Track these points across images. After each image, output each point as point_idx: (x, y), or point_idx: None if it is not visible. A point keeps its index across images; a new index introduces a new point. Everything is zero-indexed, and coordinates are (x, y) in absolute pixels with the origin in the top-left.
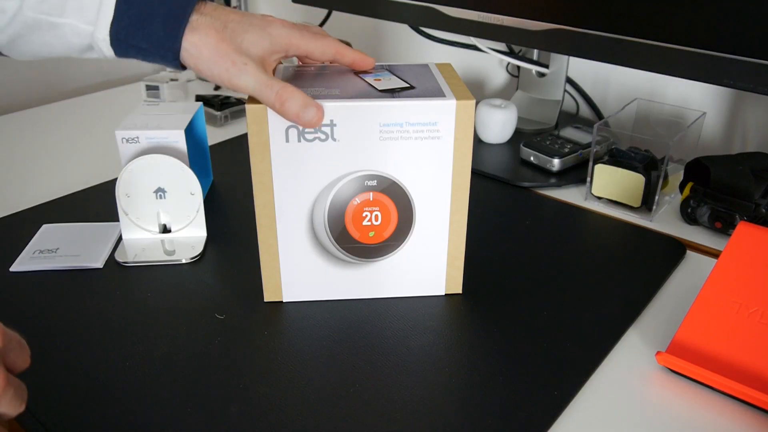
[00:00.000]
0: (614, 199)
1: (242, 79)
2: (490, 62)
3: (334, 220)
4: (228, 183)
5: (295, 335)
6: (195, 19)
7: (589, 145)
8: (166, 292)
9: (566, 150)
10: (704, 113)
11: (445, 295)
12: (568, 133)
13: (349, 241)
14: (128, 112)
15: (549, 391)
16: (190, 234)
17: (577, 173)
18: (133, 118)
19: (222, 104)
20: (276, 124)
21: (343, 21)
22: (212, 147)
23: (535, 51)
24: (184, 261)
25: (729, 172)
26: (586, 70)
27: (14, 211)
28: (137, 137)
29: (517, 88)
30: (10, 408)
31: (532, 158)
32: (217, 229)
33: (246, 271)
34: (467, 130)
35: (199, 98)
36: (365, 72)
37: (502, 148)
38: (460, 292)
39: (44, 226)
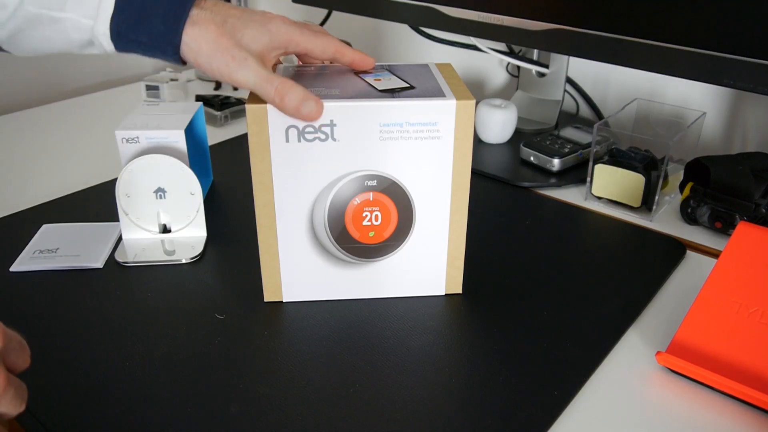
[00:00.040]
0: (614, 199)
1: (242, 74)
2: (490, 62)
3: (334, 220)
4: (228, 183)
5: (295, 335)
6: (195, 13)
7: (589, 145)
8: (166, 292)
9: (566, 150)
10: (704, 113)
11: (445, 295)
12: (568, 133)
13: (349, 241)
14: (128, 112)
15: (549, 391)
16: (190, 234)
17: (577, 173)
18: (133, 118)
19: (222, 104)
20: (276, 124)
21: (343, 21)
22: (212, 147)
23: (535, 51)
24: (184, 261)
25: (729, 172)
26: (586, 70)
27: (14, 211)
28: (137, 137)
29: (517, 88)
30: (10, 408)
31: (532, 158)
32: (217, 229)
33: (246, 271)
34: (467, 130)
35: (199, 98)
36: (365, 72)
37: (502, 148)
38: (460, 292)
39: (44, 226)
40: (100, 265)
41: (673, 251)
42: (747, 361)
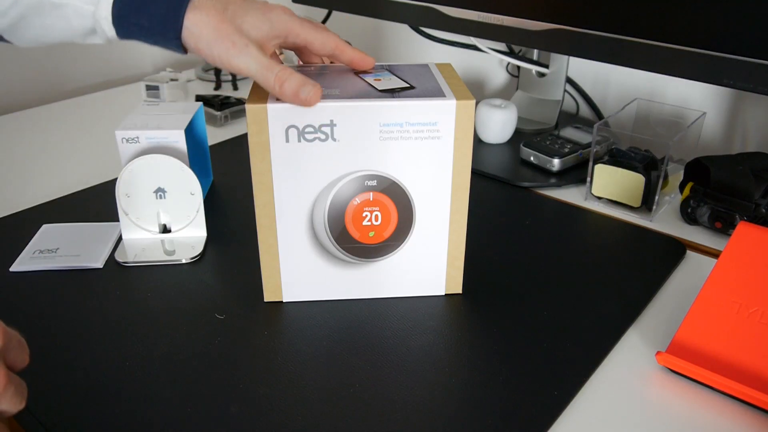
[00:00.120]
0: (614, 199)
1: (242, 61)
2: (490, 62)
3: (334, 220)
4: (228, 183)
5: (295, 335)
6: None
7: (589, 145)
8: (166, 292)
9: (566, 150)
10: (704, 113)
11: (445, 295)
12: (568, 133)
13: (349, 241)
14: (128, 112)
15: (549, 391)
16: (190, 234)
17: (577, 173)
18: (133, 118)
19: (222, 104)
20: (276, 124)
21: (343, 21)
22: (212, 147)
23: (535, 51)
24: (184, 261)
25: (729, 172)
26: (586, 70)
27: (14, 211)
28: (137, 137)
29: (517, 88)
30: (11, 405)
31: (532, 158)
32: (217, 229)
33: (246, 271)
34: (467, 130)
35: (199, 98)
36: (365, 72)
37: (502, 148)
38: (460, 292)
39: (44, 226)
40: (100, 265)
41: (673, 251)
42: (747, 361)
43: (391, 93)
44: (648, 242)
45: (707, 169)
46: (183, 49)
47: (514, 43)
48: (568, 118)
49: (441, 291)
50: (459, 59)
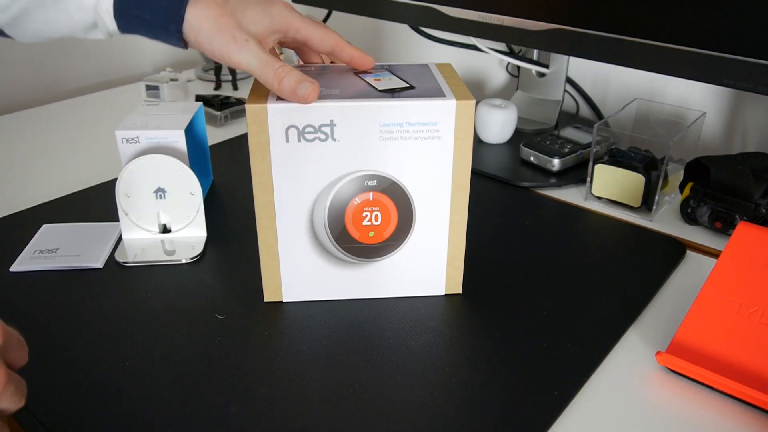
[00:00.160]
0: (614, 199)
1: (242, 56)
2: (490, 62)
3: (334, 220)
4: (228, 183)
5: (295, 335)
6: None
7: (589, 145)
8: (166, 292)
9: (566, 150)
10: (704, 113)
11: (445, 295)
12: (568, 133)
13: (349, 241)
14: (128, 112)
15: (549, 391)
16: (190, 234)
17: (577, 173)
18: (133, 118)
19: (222, 104)
20: (276, 124)
21: (343, 21)
22: (212, 147)
23: (535, 51)
24: (184, 261)
25: (729, 172)
26: (586, 70)
27: (14, 211)
28: (137, 137)
29: (517, 88)
30: (10, 403)
31: (532, 158)
32: (217, 229)
33: (246, 271)
34: (467, 130)
35: (199, 98)
36: (365, 72)
37: (502, 148)
38: (460, 292)
39: (44, 226)
40: (100, 265)
41: (673, 251)
42: (747, 361)
43: (391, 93)
44: (648, 242)
45: (707, 169)
46: (184, 44)
47: (514, 43)
48: (568, 118)
49: (441, 291)
50: (459, 59)
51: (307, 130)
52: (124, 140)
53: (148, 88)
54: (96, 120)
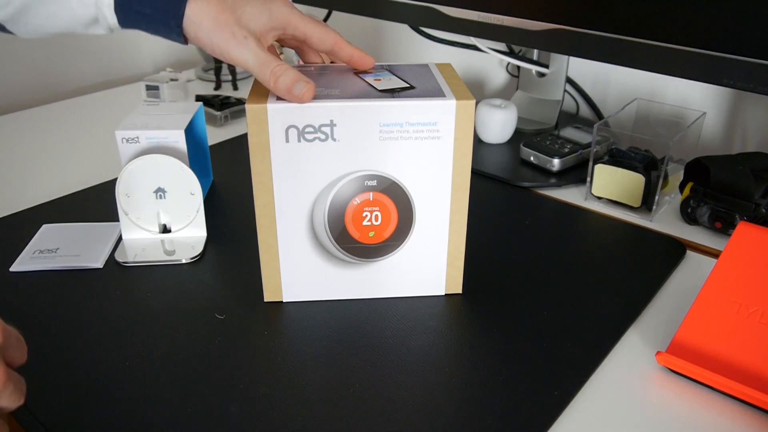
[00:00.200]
0: (614, 199)
1: (241, 53)
2: (490, 62)
3: (334, 220)
4: (228, 183)
5: (295, 335)
6: None
7: (589, 145)
8: (166, 292)
9: (566, 150)
10: (704, 113)
11: (445, 295)
12: (568, 133)
13: (349, 241)
14: (128, 112)
15: (549, 391)
16: (190, 234)
17: (577, 173)
18: (133, 118)
19: (222, 104)
20: (276, 124)
21: (343, 21)
22: (212, 147)
23: (535, 51)
24: (184, 261)
25: (729, 172)
26: (586, 70)
27: (14, 211)
28: (137, 137)
29: (517, 88)
30: (10, 401)
31: (532, 158)
32: (217, 229)
33: (246, 271)
34: (467, 130)
35: (199, 98)
36: (365, 72)
37: (502, 148)
38: (460, 292)
39: (44, 226)
40: (100, 265)
41: (673, 251)
42: (747, 361)
43: (391, 93)
44: (648, 242)
45: (707, 169)
46: (184, 39)
47: (514, 43)
48: (568, 118)
49: (441, 291)
50: (459, 59)
51: (307, 130)
52: (124, 140)
53: (148, 88)
54: (96, 120)
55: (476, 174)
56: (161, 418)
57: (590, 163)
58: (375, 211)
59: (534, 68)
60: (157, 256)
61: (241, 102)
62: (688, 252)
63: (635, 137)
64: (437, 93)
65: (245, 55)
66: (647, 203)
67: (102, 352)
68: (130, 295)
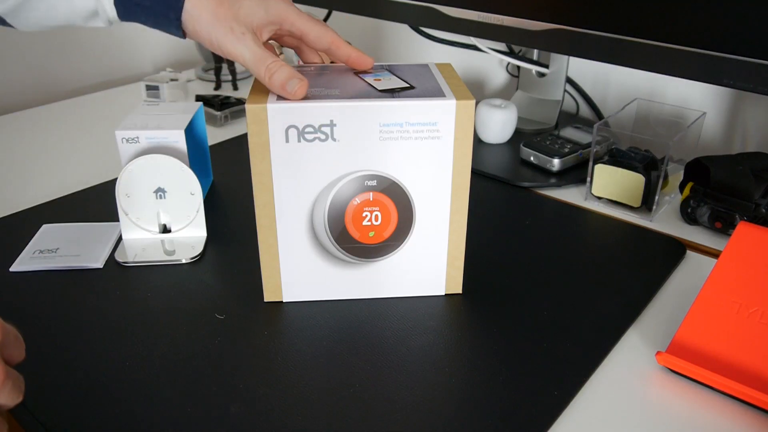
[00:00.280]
0: (614, 199)
1: (238, 48)
2: (490, 62)
3: (334, 220)
4: (228, 183)
5: (295, 335)
6: None
7: (589, 145)
8: (166, 292)
9: (566, 150)
10: (704, 113)
11: (445, 295)
12: (568, 133)
13: (349, 241)
14: (128, 112)
15: (549, 391)
16: (190, 234)
17: (577, 173)
18: (133, 118)
19: (222, 104)
20: (276, 124)
21: (343, 21)
22: (212, 147)
23: (535, 51)
24: (184, 261)
25: (729, 172)
26: (586, 70)
27: (14, 211)
28: (137, 137)
29: (517, 88)
30: (9, 399)
31: (532, 158)
32: (217, 229)
33: (246, 271)
34: (467, 130)
35: (199, 98)
36: (365, 72)
37: (502, 148)
38: (460, 292)
39: (44, 226)
40: (100, 265)
41: (673, 251)
42: (747, 361)
43: (391, 93)
44: (648, 242)
45: (707, 169)
46: (182, 33)
47: (514, 43)
48: (568, 118)
49: (441, 291)
50: (459, 59)
51: (307, 130)
52: (124, 140)
53: (148, 88)
54: (96, 120)
55: (476, 174)
56: (161, 418)
57: (590, 163)
58: (375, 211)
59: (534, 68)
60: (157, 256)
61: (241, 102)
62: (688, 252)
63: (635, 137)
64: (437, 93)
65: (242, 50)
66: (647, 203)
67: (102, 352)
68: (130, 295)
